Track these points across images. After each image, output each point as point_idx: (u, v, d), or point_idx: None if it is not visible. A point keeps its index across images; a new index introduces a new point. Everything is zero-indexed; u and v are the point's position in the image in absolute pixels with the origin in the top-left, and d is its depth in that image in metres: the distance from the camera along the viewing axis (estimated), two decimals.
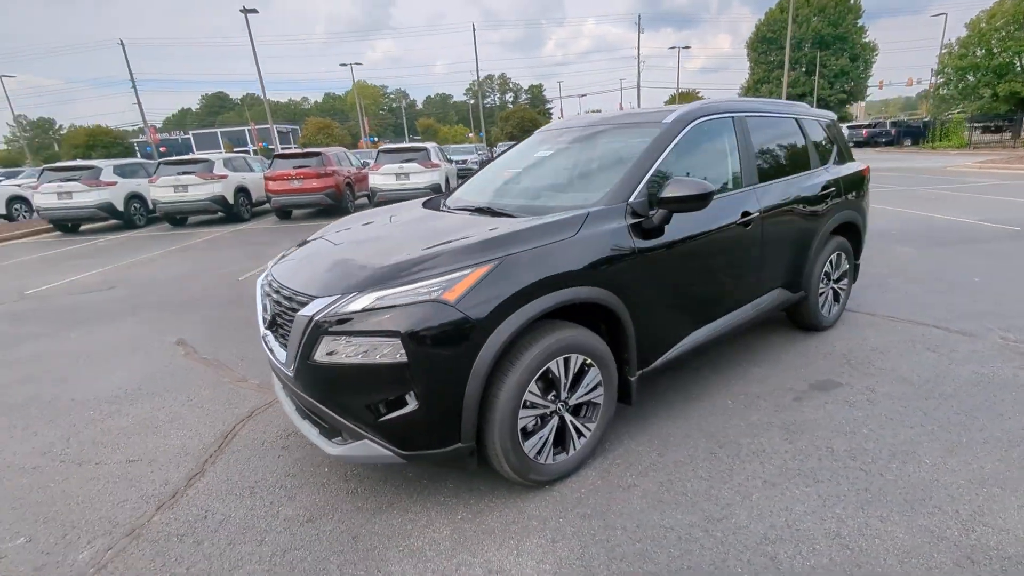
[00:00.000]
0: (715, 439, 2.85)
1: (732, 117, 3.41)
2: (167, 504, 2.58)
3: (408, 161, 12.88)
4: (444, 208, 3.32)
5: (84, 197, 12.63)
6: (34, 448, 3.17)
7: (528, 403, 2.36)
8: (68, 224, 13.40)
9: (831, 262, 4.05)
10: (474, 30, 40.70)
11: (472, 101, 65.19)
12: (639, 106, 45.89)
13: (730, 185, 3.33)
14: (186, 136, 63.76)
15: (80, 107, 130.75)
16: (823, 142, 4.13)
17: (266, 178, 12.47)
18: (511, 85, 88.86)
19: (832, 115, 4.44)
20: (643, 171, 2.86)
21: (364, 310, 2.14)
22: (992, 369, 3.44)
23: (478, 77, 42.48)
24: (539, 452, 2.47)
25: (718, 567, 2.04)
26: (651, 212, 2.75)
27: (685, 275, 2.96)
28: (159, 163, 13.16)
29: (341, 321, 2.15)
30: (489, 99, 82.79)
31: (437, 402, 2.17)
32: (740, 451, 2.74)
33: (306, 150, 13.40)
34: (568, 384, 2.51)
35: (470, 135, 54.31)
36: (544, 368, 2.38)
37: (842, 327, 4.28)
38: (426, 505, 2.48)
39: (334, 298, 2.22)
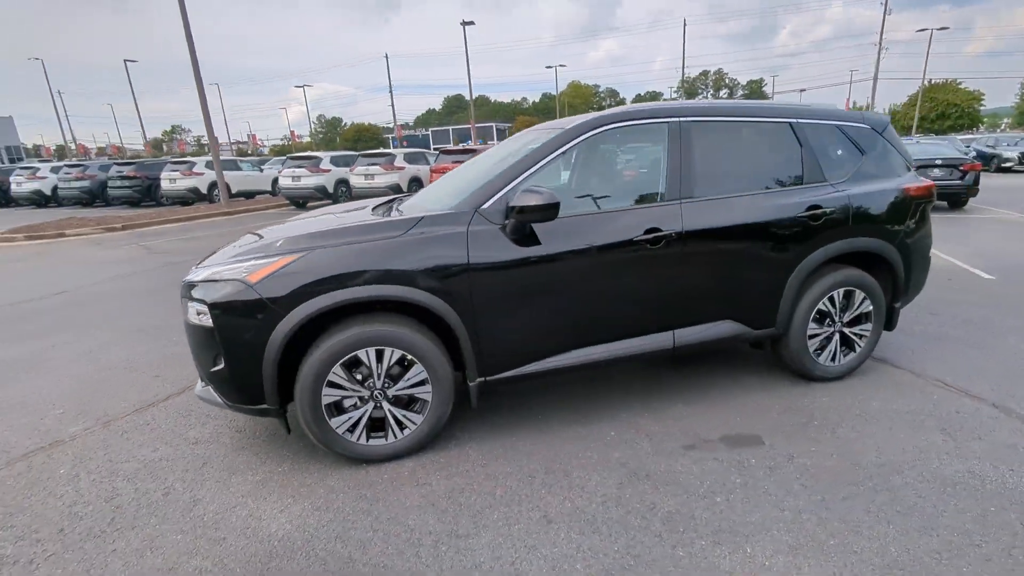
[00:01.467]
0: (549, 465, 2.65)
1: (668, 123, 2.99)
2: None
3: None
4: (376, 208, 3.47)
5: (307, 180, 15.69)
6: None
7: (332, 383, 2.54)
8: (299, 201, 16.72)
9: (832, 300, 3.24)
10: (684, 25, 38.72)
11: (679, 98, 62.15)
12: (872, 102, 38.78)
13: (637, 199, 2.96)
14: (426, 132, 73.08)
15: (361, 107, 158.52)
16: (837, 153, 3.29)
17: (431, 171, 13.92)
18: (727, 80, 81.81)
19: (875, 119, 3.47)
20: (507, 179, 2.75)
21: (201, 281, 2.56)
22: (999, 473, 2.46)
23: (683, 73, 40.34)
24: (350, 430, 2.63)
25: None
26: (506, 221, 2.65)
27: (556, 290, 2.76)
28: (359, 155, 15.69)
29: (190, 287, 2.60)
30: (700, 95, 77.57)
31: (238, 366, 2.50)
32: (555, 483, 2.51)
33: (465, 146, 14.63)
34: (383, 374, 2.60)
35: None
36: (352, 354, 2.52)
37: (852, 381, 3.40)
38: (263, 454, 2.83)
39: (198, 269, 2.68)
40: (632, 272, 2.86)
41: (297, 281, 2.44)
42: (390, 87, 46.95)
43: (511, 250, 2.65)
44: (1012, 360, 3.63)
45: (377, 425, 2.69)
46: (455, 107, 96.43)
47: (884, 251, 3.28)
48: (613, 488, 2.45)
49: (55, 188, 19.31)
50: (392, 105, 47.10)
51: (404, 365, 2.63)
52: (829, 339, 3.33)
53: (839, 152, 3.30)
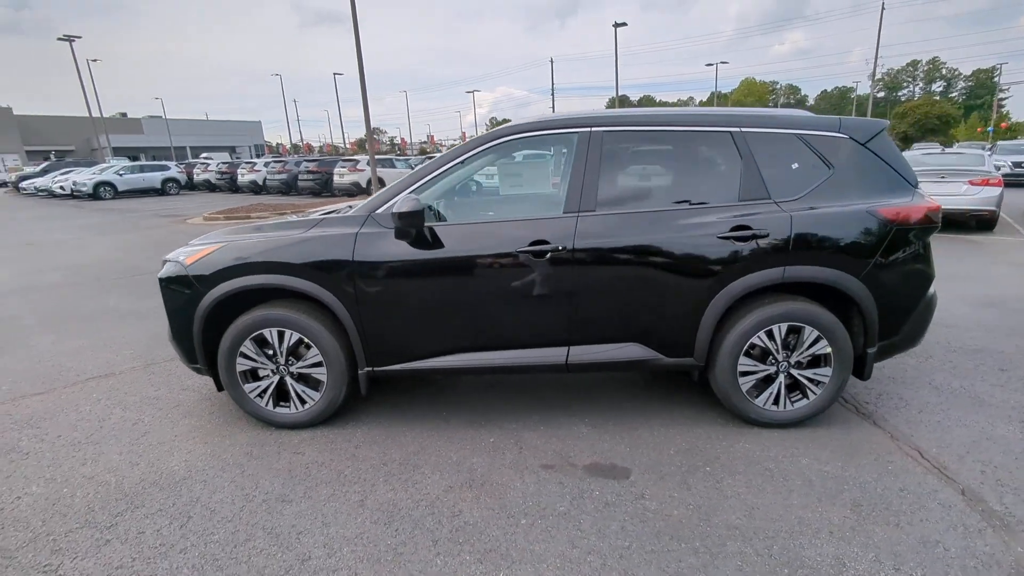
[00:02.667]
0: (409, 459, 2.76)
1: (579, 133, 2.84)
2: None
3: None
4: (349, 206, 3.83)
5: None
6: None
7: (244, 354, 2.96)
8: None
9: (772, 335, 2.77)
10: (882, 8, 32.93)
11: (881, 93, 52.81)
12: None
13: (536, 210, 2.85)
14: None
15: (533, 109, 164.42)
16: (793, 167, 2.77)
17: None
18: (943, 71, 67.13)
19: (859, 127, 2.82)
20: (403, 186, 2.89)
21: (164, 260, 3.15)
22: (881, 571, 1.96)
23: (876, 63, 34.34)
24: (259, 396, 3.04)
25: None
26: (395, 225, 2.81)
27: (440, 294, 2.84)
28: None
29: (164, 263, 3.22)
30: (905, 90, 65.12)
31: (177, 331, 3.04)
32: (398, 475, 2.63)
33: None
34: (284, 352, 2.95)
35: None
36: (258, 332, 2.92)
37: (802, 430, 2.87)
38: (222, 408, 3.37)
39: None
40: (518, 284, 2.80)
41: (214, 267, 2.89)
42: (552, 90, 48.06)
43: (393, 252, 2.80)
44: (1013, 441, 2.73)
45: (285, 396, 3.05)
46: (619, 106, 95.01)
47: (844, 284, 2.70)
48: (439, 490, 2.49)
49: (264, 179, 23.59)
50: (552, 107, 48.07)
51: (305, 347, 2.95)
52: (771, 379, 2.86)
53: (796, 166, 2.79)
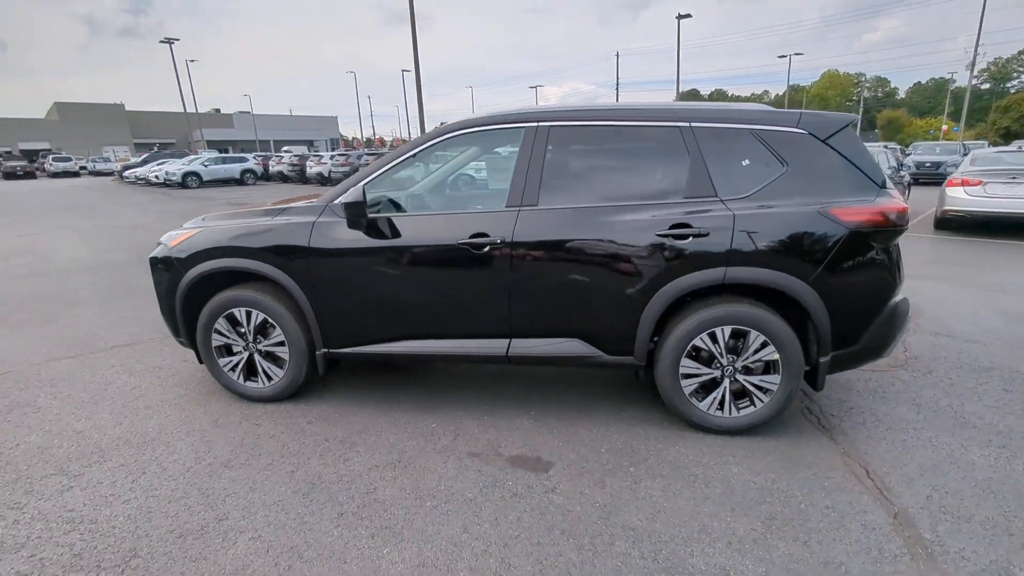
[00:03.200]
0: (350, 437, 2.89)
1: (526, 128, 2.84)
2: None
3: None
4: None
5: None
6: None
7: (218, 331, 3.21)
8: None
9: (714, 337, 2.66)
10: None
11: (986, 84, 47.51)
12: None
13: (483, 203, 2.87)
14: None
15: (600, 103, 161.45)
16: (743, 163, 2.63)
17: None
18: None
19: (821, 121, 2.62)
20: (360, 178, 3.00)
21: (156, 243, 3.45)
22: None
23: (976, 51, 30.81)
24: (232, 370, 3.27)
25: None
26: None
27: (388, 281, 2.94)
28: None
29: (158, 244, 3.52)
30: (1015, 81, 58.03)
31: (165, 308, 3.33)
32: (334, 451, 2.77)
33: None
34: (252, 331, 3.17)
35: (951, 129, 40.44)
36: (228, 311, 3.15)
37: (747, 438, 2.74)
38: (208, 381, 3.66)
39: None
40: (460, 275, 2.85)
41: (192, 249, 3.14)
42: (616, 84, 47.07)
43: (345, 241, 2.92)
44: (987, 471, 2.45)
45: (254, 371, 3.27)
46: (689, 101, 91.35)
47: (791, 289, 2.55)
48: (365, 468, 2.60)
49: (330, 171, 24.79)
50: (616, 99, 47.13)
51: (271, 327, 3.15)
52: (716, 384, 2.75)
53: (747, 162, 2.65)
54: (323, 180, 25.21)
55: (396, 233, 2.89)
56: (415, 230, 2.90)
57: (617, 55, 45.48)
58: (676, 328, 2.70)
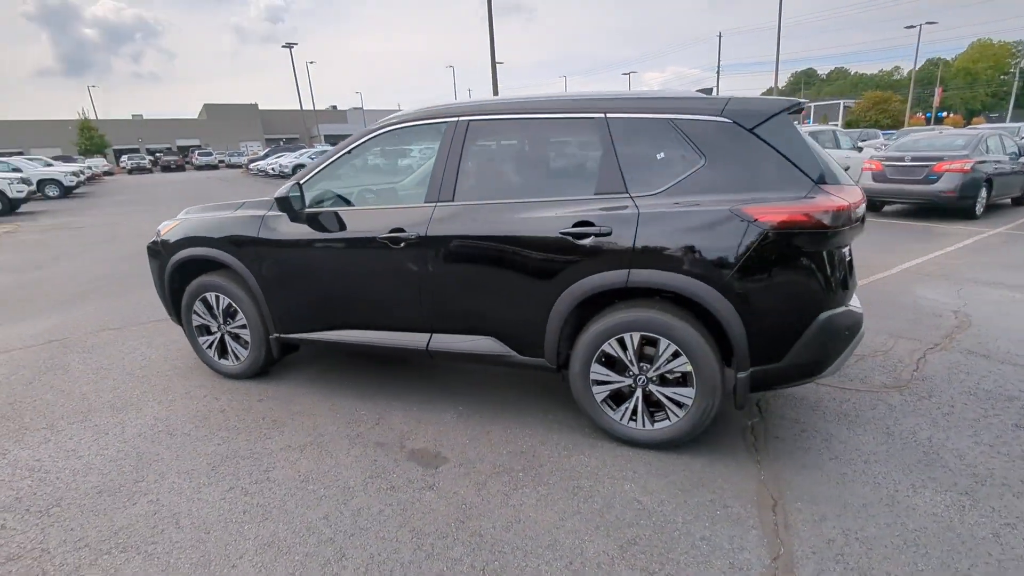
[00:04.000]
0: (281, 418, 3.05)
1: (447, 123, 2.78)
2: None
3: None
4: None
5: None
6: None
7: (196, 312, 3.53)
8: None
9: (623, 344, 2.46)
10: None
11: None
12: None
13: (405, 198, 2.86)
14: None
15: (703, 86, 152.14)
16: (659, 156, 2.36)
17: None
18: None
19: (749, 109, 2.26)
20: (301, 175, 3.12)
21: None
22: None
23: None
24: (208, 348, 3.60)
25: None
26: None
27: (317, 273, 3.05)
28: None
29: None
30: None
31: (158, 289, 3.72)
32: (261, 429, 2.94)
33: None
34: (220, 314, 3.45)
35: None
36: (203, 295, 3.46)
37: (663, 455, 2.50)
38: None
39: None
40: (381, 268, 2.88)
41: (174, 237, 3.48)
42: (718, 67, 44.03)
43: (284, 233, 3.08)
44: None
45: (226, 350, 3.56)
46: (803, 82, 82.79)
47: (698, 295, 2.27)
48: (278, 447, 2.74)
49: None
50: (717, 84, 44.17)
51: (236, 311, 3.41)
52: (629, 393, 2.54)
53: (662, 155, 2.39)
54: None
55: (330, 227, 2.98)
56: (346, 224, 2.97)
57: (719, 36, 42.44)
58: (587, 331, 2.53)
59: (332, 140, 56.21)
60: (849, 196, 2.23)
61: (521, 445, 2.68)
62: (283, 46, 43.59)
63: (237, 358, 3.51)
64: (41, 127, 57.02)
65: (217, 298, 3.41)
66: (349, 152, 3.07)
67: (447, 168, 2.75)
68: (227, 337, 3.50)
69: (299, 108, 52.98)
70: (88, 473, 2.58)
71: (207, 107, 69.60)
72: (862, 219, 2.34)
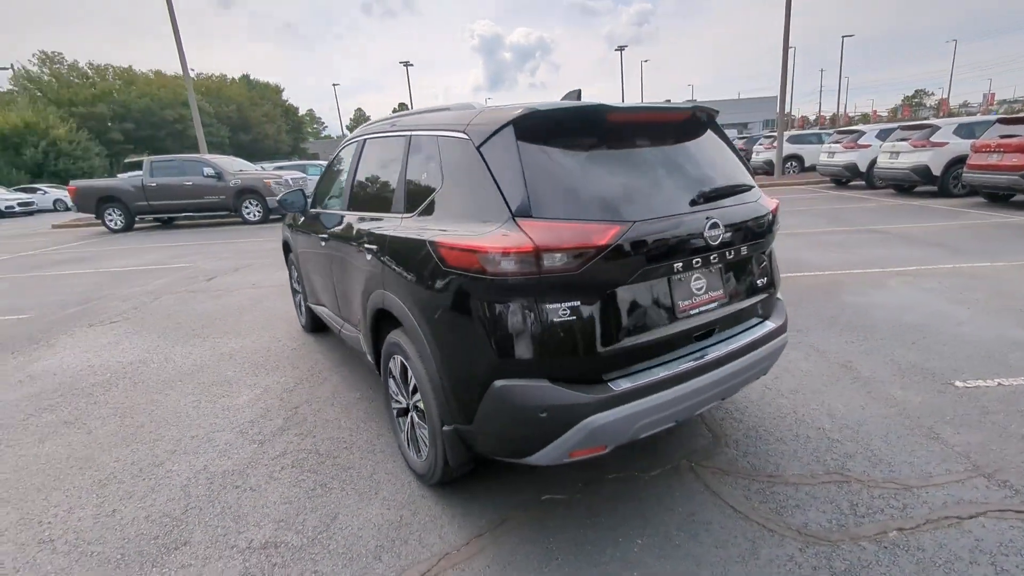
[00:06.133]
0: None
1: (359, 141, 3.15)
2: None
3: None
4: None
5: (840, 157, 13.44)
6: None
7: None
8: (839, 179, 14.35)
9: (391, 367, 2.45)
10: None
11: None
12: None
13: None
14: None
15: None
16: (423, 176, 2.21)
17: (973, 149, 9.19)
18: None
19: (479, 127, 1.87)
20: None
21: None
22: None
23: None
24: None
25: None
26: None
27: (312, 261, 3.85)
28: (897, 127, 11.85)
29: None
30: None
31: None
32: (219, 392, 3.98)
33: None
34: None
35: None
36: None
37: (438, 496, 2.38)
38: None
39: None
40: (329, 261, 3.41)
41: None
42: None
43: (296, 223, 4.03)
44: None
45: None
46: None
47: (405, 320, 2.12)
48: (243, 401, 3.72)
49: None
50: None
51: None
52: (405, 414, 2.50)
53: (425, 175, 2.24)
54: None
55: (316, 222, 3.68)
56: (323, 222, 3.61)
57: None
58: (383, 346, 2.59)
59: None
60: (544, 237, 1.67)
61: (334, 433, 2.92)
62: (616, 49, 46.39)
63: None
64: None
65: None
66: (329, 165, 3.76)
67: (349, 180, 3.15)
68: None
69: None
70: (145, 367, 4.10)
71: None
72: (579, 269, 1.71)
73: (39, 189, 27.84)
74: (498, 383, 1.81)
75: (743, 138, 22.05)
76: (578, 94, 2.43)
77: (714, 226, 1.97)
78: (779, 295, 2.55)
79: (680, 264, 1.92)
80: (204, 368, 4.08)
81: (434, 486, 2.39)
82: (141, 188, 13.66)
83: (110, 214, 13.96)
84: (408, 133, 2.54)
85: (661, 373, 1.89)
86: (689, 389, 1.95)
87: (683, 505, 2.22)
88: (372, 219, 2.64)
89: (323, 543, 2.11)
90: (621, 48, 46.23)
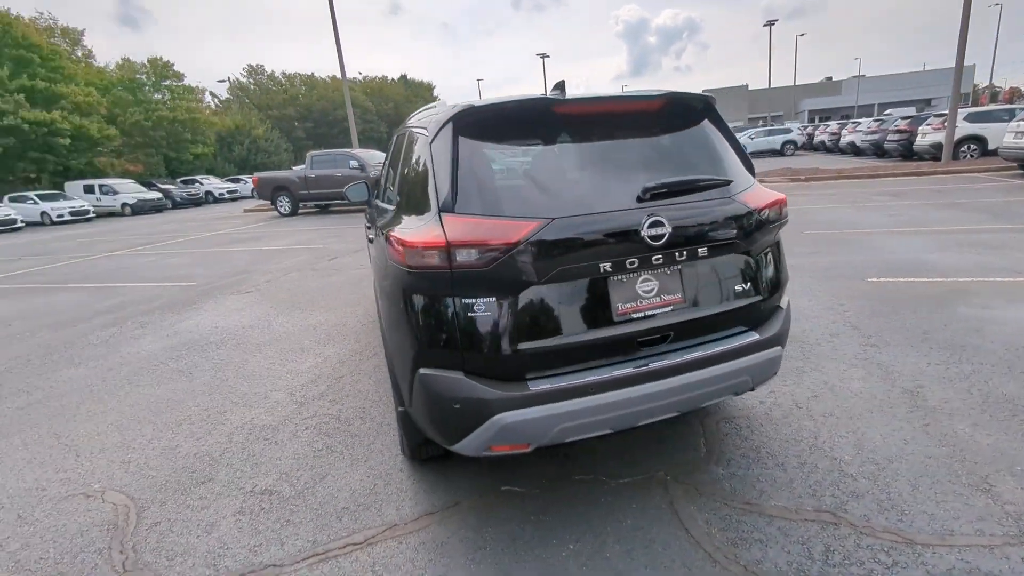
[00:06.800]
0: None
1: (394, 136, 3.36)
2: None
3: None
4: None
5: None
6: None
7: None
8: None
9: None
10: None
11: None
12: None
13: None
14: None
15: None
16: (404, 171, 2.32)
17: None
18: None
19: (433, 123, 1.84)
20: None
21: None
22: None
23: None
24: None
25: None
26: None
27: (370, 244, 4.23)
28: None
29: None
30: None
31: None
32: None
33: None
34: None
35: None
36: None
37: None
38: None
39: None
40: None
41: None
42: None
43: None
44: None
45: None
46: None
47: (380, 305, 2.23)
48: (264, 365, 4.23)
49: (861, 141, 20.84)
50: None
51: None
52: None
53: (407, 170, 2.39)
54: (856, 150, 21.59)
55: (371, 211, 4.03)
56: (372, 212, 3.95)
57: None
58: None
59: (819, 114, 50.51)
60: (458, 232, 1.69)
61: (318, 421, 3.20)
62: (764, 24, 41.71)
63: None
64: None
65: None
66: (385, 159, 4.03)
67: (383, 174, 3.38)
68: None
69: (792, 84, 49.58)
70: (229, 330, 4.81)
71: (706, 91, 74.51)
72: (490, 265, 1.69)
73: (242, 179, 33.61)
74: (421, 371, 1.89)
75: (907, 118, 18.36)
76: (562, 86, 2.34)
77: (655, 224, 1.80)
78: (781, 303, 2.22)
79: (609, 264, 1.79)
80: (290, 336, 4.72)
81: (415, 462, 2.54)
82: (304, 179, 15.82)
83: (280, 201, 16.41)
84: (407, 129, 2.68)
85: (589, 377, 1.80)
86: (626, 397, 1.82)
87: (634, 518, 2.08)
88: (380, 210, 2.86)
89: (305, 498, 2.39)
90: (771, 23, 41.42)
